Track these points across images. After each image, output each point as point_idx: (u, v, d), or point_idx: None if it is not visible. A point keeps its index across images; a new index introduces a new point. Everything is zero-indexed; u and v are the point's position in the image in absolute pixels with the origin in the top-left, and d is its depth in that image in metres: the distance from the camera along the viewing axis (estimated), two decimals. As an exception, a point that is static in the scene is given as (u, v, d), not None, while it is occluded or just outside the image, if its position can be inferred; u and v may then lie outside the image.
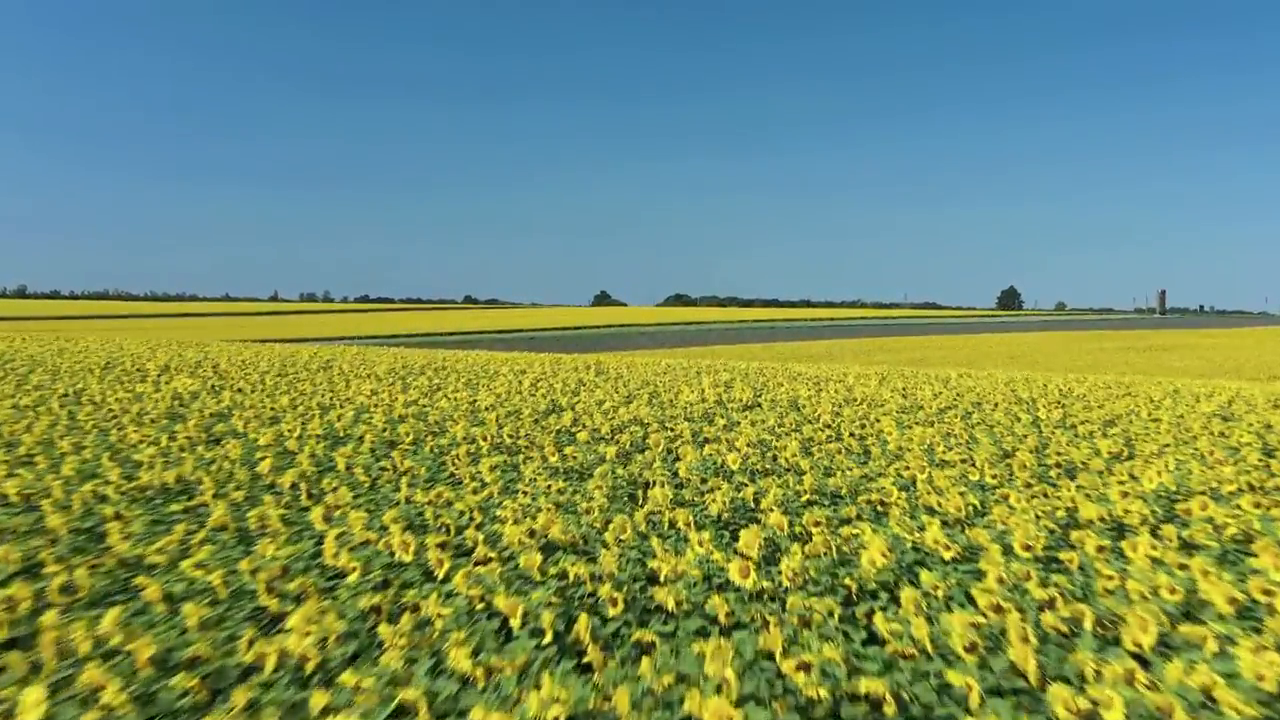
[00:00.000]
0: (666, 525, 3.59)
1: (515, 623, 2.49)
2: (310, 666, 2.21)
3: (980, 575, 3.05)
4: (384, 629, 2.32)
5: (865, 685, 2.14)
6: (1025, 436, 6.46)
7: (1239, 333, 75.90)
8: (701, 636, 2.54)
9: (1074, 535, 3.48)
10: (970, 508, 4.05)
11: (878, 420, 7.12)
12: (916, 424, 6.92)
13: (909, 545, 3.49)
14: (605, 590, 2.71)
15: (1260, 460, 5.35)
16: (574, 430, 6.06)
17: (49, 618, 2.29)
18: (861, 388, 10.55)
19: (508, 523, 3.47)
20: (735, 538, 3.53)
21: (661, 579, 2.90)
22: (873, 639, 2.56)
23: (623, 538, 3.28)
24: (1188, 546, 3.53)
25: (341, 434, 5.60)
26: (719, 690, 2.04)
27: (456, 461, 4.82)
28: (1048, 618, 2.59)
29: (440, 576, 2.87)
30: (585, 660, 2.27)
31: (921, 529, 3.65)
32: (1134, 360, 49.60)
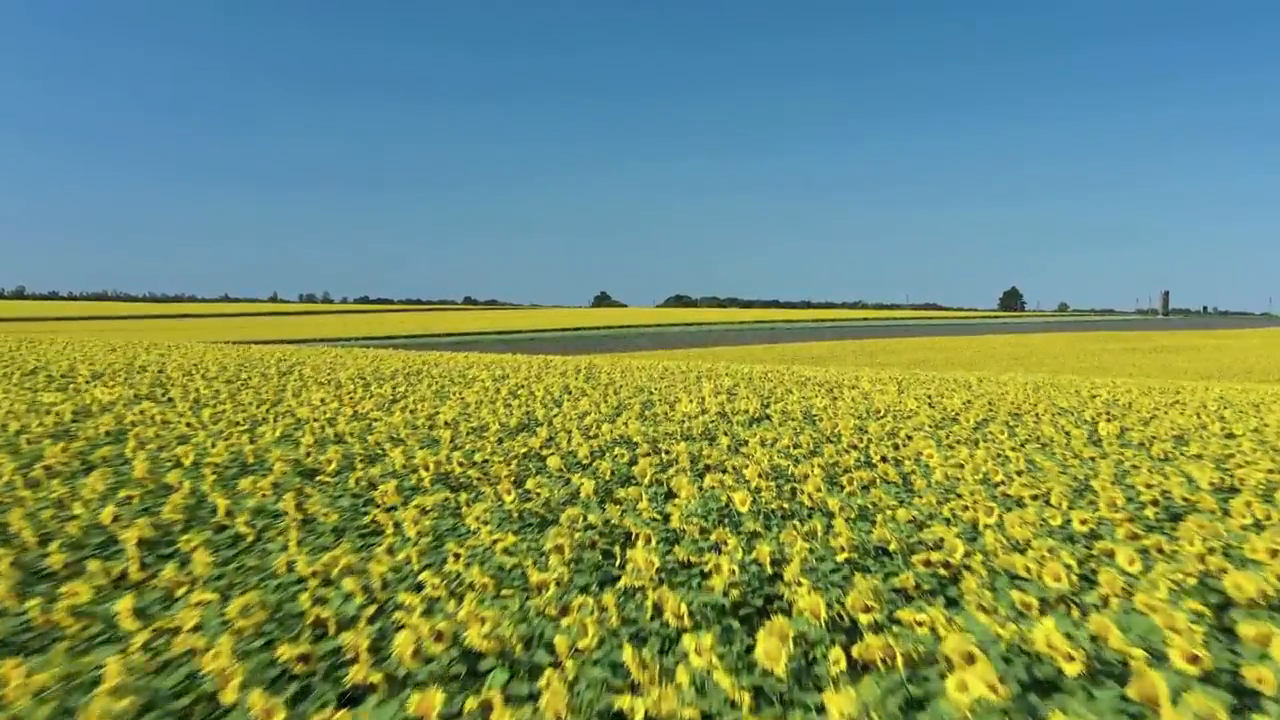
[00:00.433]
0: (649, 615, 2.48)
1: None
2: None
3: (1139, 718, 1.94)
4: None
5: None
6: (1093, 459, 5.35)
7: (1244, 334, 74.94)
8: None
9: (1242, 629, 2.38)
10: (1071, 574, 2.94)
11: (909, 437, 6.00)
12: (958, 442, 5.80)
13: (1006, 646, 2.38)
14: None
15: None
16: (546, 453, 4.94)
17: None
18: (881, 396, 9.43)
19: (415, 612, 2.36)
20: (750, 633, 2.43)
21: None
22: None
23: (581, 645, 2.17)
24: None
25: (252, 459, 4.48)
26: None
27: (383, 500, 3.71)
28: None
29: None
30: None
31: (1019, 615, 2.55)
32: (1140, 362, 48.59)
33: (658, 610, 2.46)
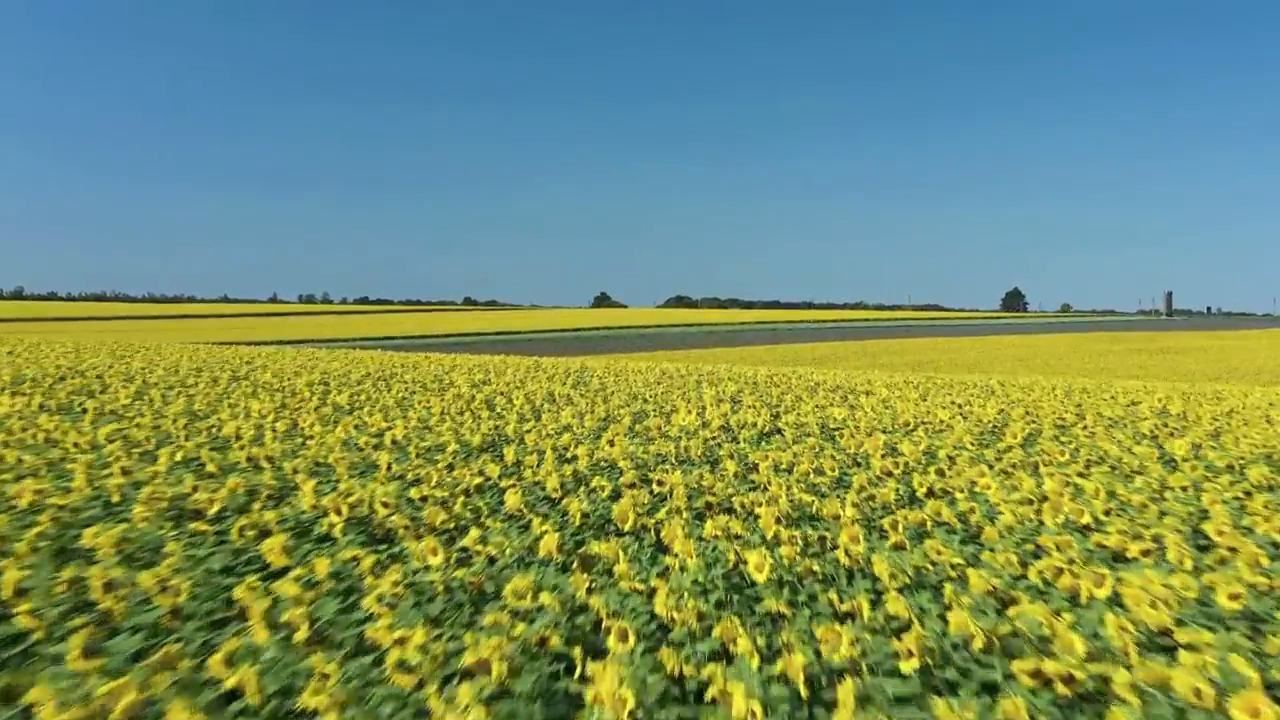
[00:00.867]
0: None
1: None
2: None
3: None
4: None
5: None
6: (1182, 489, 4.33)
7: (1250, 334, 73.99)
8: None
9: None
10: (1236, 678, 1.93)
11: (952, 459, 4.99)
12: (1013, 466, 4.79)
13: None
14: None
15: None
16: (506, 485, 3.93)
17: None
18: (902, 404, 8.41)
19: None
20: None
21: None
22: None
23: None
24: None
25: (117, 497, 3.47)
26: None
27: (270, 555, 2.70)
28: None
29: None
30: None
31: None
32: (1147, 363, 47.59)
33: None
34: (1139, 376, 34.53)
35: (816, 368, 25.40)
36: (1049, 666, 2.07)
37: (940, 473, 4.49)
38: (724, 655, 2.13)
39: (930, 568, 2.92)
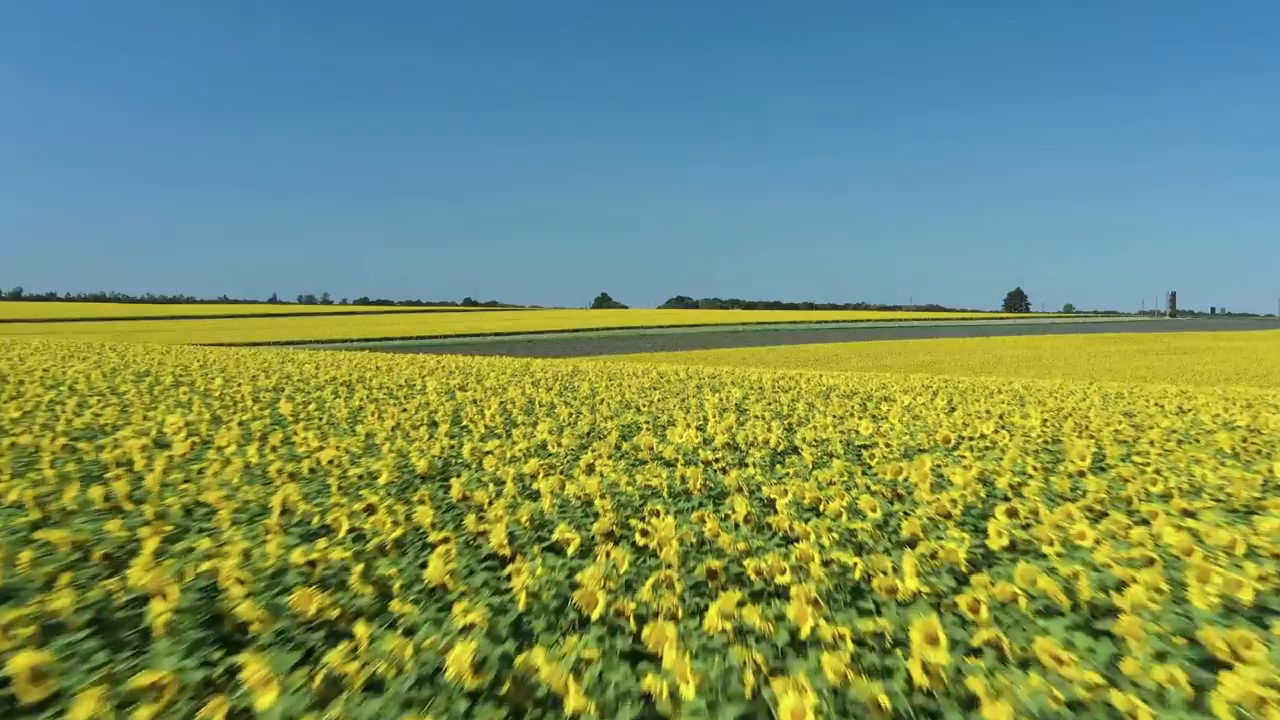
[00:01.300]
0: None
1: None
2: None
3: None
4: None
5: None
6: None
7: (1256, 335, 72.90)
8: None
9: None
10: None
11: (1020, 493, 3.97)
12: (1104, 503, 3.76)
13: None
14: None
15: None
16: (434, 539, 2.89)
17: None
18: (932, 415, 7.37)
19: None
20: None
21: None
22: None
23: None
24: None
25: None
26: None
27: (15, 687, 1.68)
28: None
29: None
30: None
31: None
32: (1155, 364, 46.52)
33: None
34: (1147, 378, 33.51)
35: (822, 369, 24.36)
36: None
37: (1011, 513, 3.46)
38: None
39: (1054, 697, 1.89)
